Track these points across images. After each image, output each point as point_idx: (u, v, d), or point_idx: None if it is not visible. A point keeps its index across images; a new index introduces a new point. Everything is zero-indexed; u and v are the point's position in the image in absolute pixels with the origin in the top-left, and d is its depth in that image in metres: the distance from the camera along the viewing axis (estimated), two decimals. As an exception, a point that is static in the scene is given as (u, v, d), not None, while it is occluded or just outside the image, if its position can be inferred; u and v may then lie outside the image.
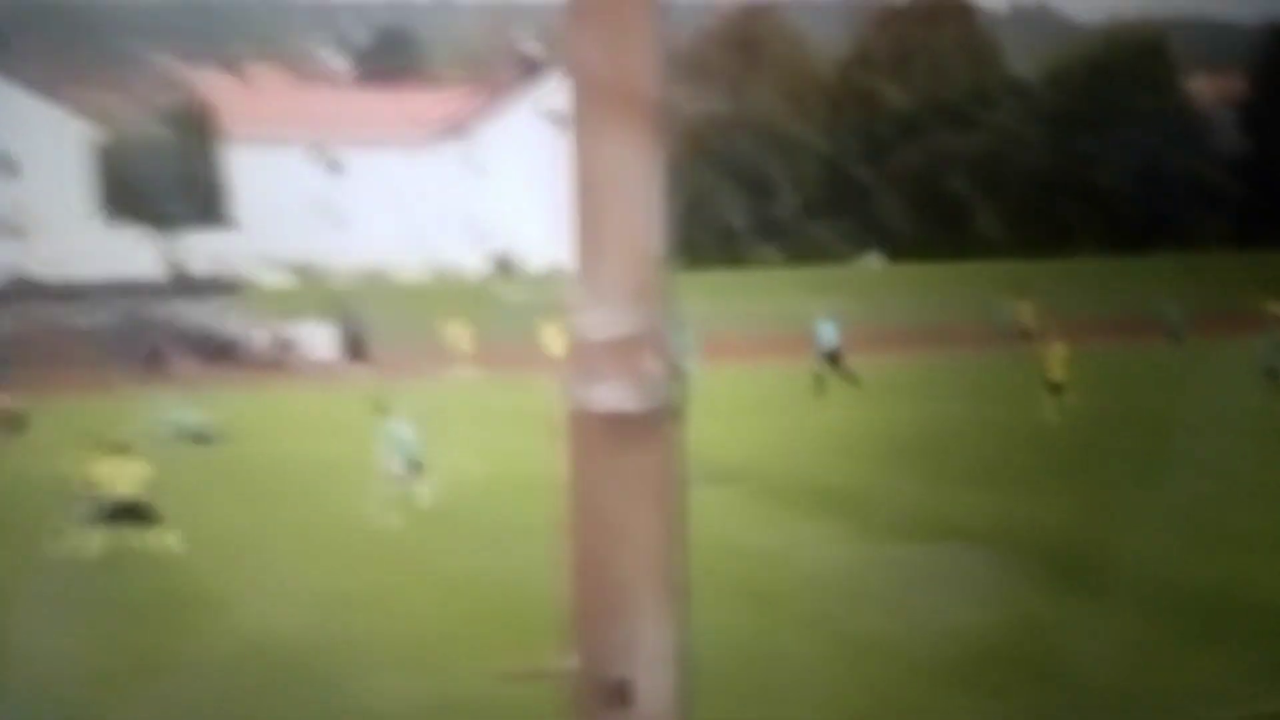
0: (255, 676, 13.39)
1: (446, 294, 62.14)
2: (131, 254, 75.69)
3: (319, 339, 52.80)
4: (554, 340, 42.33)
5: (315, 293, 64.20)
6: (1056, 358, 30.39)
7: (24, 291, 55.87)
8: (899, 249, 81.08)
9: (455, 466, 25.14)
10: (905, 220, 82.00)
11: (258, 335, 53.39)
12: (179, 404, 30.86)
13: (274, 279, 70.11)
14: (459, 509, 21.38)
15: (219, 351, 52.09)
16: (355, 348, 51.64)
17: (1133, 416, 29.05)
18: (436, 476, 23.40)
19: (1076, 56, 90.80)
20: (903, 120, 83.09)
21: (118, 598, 16.61)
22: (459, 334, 45.49)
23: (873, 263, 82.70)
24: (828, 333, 37.03)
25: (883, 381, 37.72)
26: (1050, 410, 29.29)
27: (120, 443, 18.86)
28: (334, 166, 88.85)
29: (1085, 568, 16.04)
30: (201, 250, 78.22)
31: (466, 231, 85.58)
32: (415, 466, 21.53)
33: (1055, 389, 29.95)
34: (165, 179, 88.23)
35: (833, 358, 36.46)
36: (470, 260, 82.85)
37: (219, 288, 57.13)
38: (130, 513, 18.24)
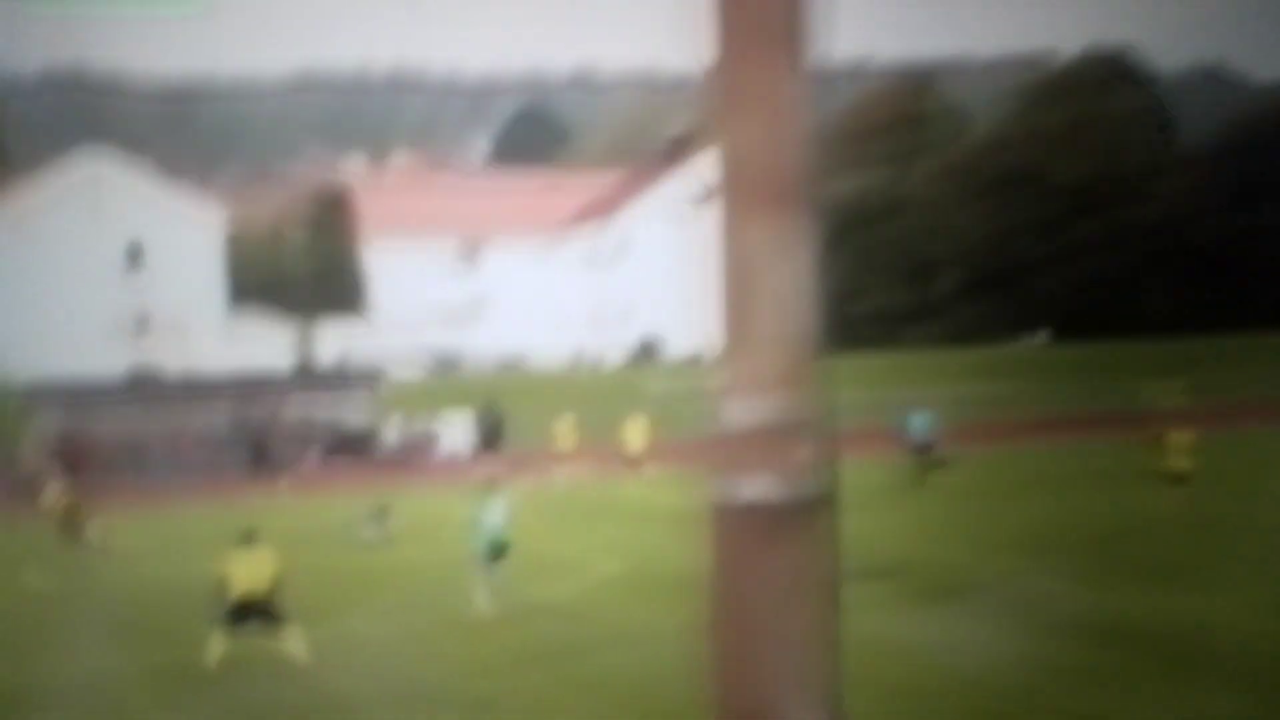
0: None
1: (586, 383, 62.35)
2: (263, 347, 78.03)
3: (456, 431, 53.47)
4: (634, 436, 42.58)
5: (451, 385, 64.95)
6: (1178, 446, 29.55)
7: (148, 388, 57.23)
8: (1065, 327, 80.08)
9: (588, 563, 25.35)
10: (1072, 298, 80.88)
11: (391, 429, 54.23)
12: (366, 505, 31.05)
13: (409, 371, 71.27)
14: (591, 607, 21.54)
15: (351, 446, 53.07)
16: (491, 440, 52.08)
17: (1262, 504, 28.22)
18: (573, 573, 23.38)
19: (1256, 117, 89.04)
20: (1073, 194, 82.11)
21: (242, 705, 16.80)
22: (565, 431, 45.48)
23: (1038, 342, 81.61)
24: (919, 425, 36.74)
25: (1024, 469, 37.48)
26: (1170, 501, 28.65)
27: (251, 535, 19.01)
28: (472, 255, 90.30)
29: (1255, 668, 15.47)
30: (335, 343, 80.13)
31: (607, 319, 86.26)
32: (499, 549, 21.85)
33: (1178, 479, 29.20)
34: (299, 269, 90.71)
35: (924, 450, 36.17)
36: (613, 348, 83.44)
37: (353, 381, 58.19)
38: (260, 612, 18.48)
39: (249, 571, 18.60)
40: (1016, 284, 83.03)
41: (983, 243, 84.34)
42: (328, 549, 28.56)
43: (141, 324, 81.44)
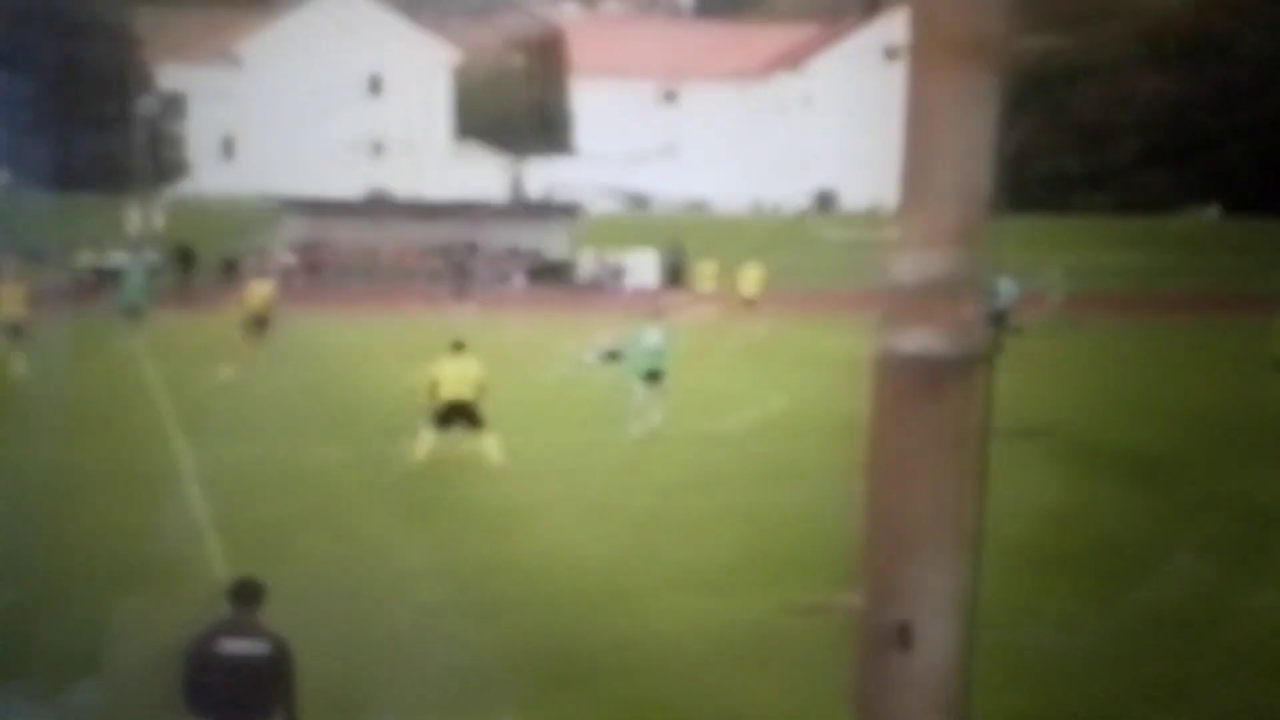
0: (560, 584, 13.78)
1: (765, 229, 61.91)
2: (479, 177, 79.18)
3: (644, 266, 53.79)
4: (749, 282, 42.42)
5: (642, 221, 65.28)
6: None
7: (380, 206, 58.99)
8: (1237, 203, 76.58)
9: (753, 400, 25.21)
10: (1248, 174, 77.05)
11: (587, 260, 54.80)
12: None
13: (604, 207, 71.65)
14: (752, 442, 21.35)
15: (550, 274, 53.75)
16: (675, 276, 52.41)
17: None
18: (738, 409, 23.40)
19: None
20: (1260, 67, 77.64)
21: (440, 499, 17.27)
22: (707, 274, 45.44)
23: (1207, 216, 78.40)
24: (1005, 291, 34.81)
25: (1186, 342, 36.20)
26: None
27: (460, 344, 19.20)
28: (670, 98, 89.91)
29: None
30: (541, 177, 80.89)
31: (791, 166, 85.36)
32: (654, 376, 21.83)
33: None
34: (516, 106, 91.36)
35: (999, 318, 34.81)
36: (792, 195, 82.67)
37: (555, 214, 58.77)
38: (464, 415, 18.65)
39: (457, 377, 18.76)
40: (1192, 156, 79.33)
41: (1163, 112, 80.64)
42: (526, 367, 28.82)
43: (377, 148, 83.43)
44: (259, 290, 30.63)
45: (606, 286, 52.41)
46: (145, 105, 61.27)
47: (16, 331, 26.62)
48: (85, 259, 45.87)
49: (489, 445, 18.74)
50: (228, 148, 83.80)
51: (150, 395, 24.20)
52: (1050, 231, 58.83)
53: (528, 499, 17.35)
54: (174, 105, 77.75)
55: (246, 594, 8.01)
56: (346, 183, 72.54)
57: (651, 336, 22.28)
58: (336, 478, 18.27)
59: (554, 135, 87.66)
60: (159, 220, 50.77)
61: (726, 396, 25.62)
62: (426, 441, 18.64)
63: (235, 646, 7.79)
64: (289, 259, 50.52)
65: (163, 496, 16.62)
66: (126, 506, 16.04)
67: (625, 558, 14.77)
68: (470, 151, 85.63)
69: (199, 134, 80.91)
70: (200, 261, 46.82)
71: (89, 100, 66.15)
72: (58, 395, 22.85)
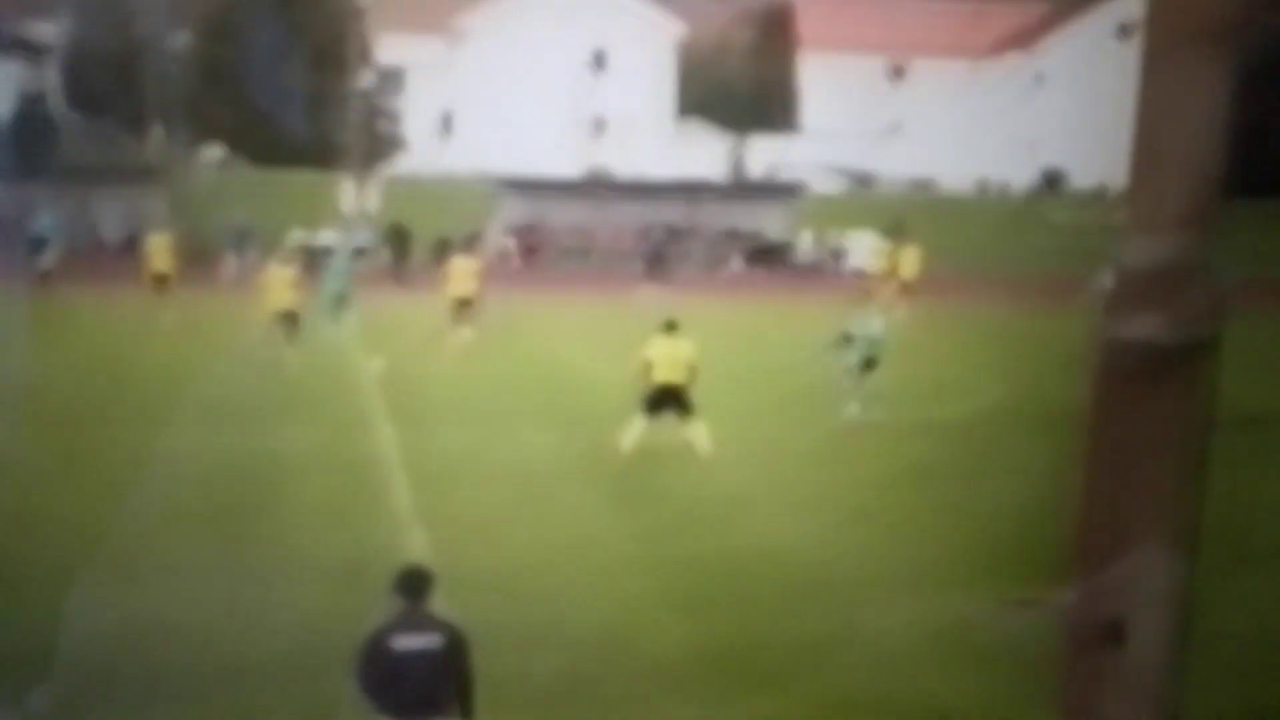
0: (765, 578, 13.86)
1: (991, 209, 60.66)
2: (700, 157, 79.40)
3: (863, 248, 53.18)
4: (907, 264, 39.19)
5: (865, 201, 64.65)
6: None
7: (599, 186, 59.49)
8: None
9: (972, 387, 24.99)
10: None
11: (806, 242, 54.48)
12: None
13: (826, 187, 71.06)
14: (969, 432, 21.35)
15: (768, 256, 53.71)
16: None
17: None
18: (957, 396, 23.33)
19: None
20: None
21: (647, 488, 17.44)
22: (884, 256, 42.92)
23: None
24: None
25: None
26: None
27: (673, 325, 19.13)
28: (898, 74, 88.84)
29: None
30: (763, 156, 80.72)
31: (1019, 146, 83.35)
32: (870, 362, 21.77)
33: None
34: (740, 82, 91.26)
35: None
36: (1020, 175, 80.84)
37: (776, 194, 58.63)
38: (675, 401, 18.60)
39: (669, 359, 18.67)
40: None
41: None
42: (737, 350, 28.94)
43: (598, 126, 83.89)
44: (461, 268, 29.06)
45: (826, 269, 52.06)
46: (364, 79, 62.48)
47: (293, 321, 25.20)
48: (296, 237, 45.80)
49: (698, 434, 18.67)
50: (446, 125, 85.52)
51: (354, 381, 24.52)
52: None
53: (736, 490, 17.45)
54: (392, 80, 79.31)
55: (415, 585, 7.92)
56: (566, 161, 73.40)
57: (874, 322, 22.20)
58: (545, 466, 18.49)
59: (778, 112, 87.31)
60: (374, 199, 51.65)
61: (941, 385, 25.42)
62: (637, 429, 18.63)
63: (409, 642, 7.73)
64: (507, 241, 51.18)
65: (368, 485, 16.97)
66: (330, 496, 16.43)
67: (833, 552, 14.81)
68: (692, 130, 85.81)
69: (417, 110, 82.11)
70: (415, 242, 47.85)
71: (306, 73, 67.21)
72: (259, 383, 23.37)
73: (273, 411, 21.20)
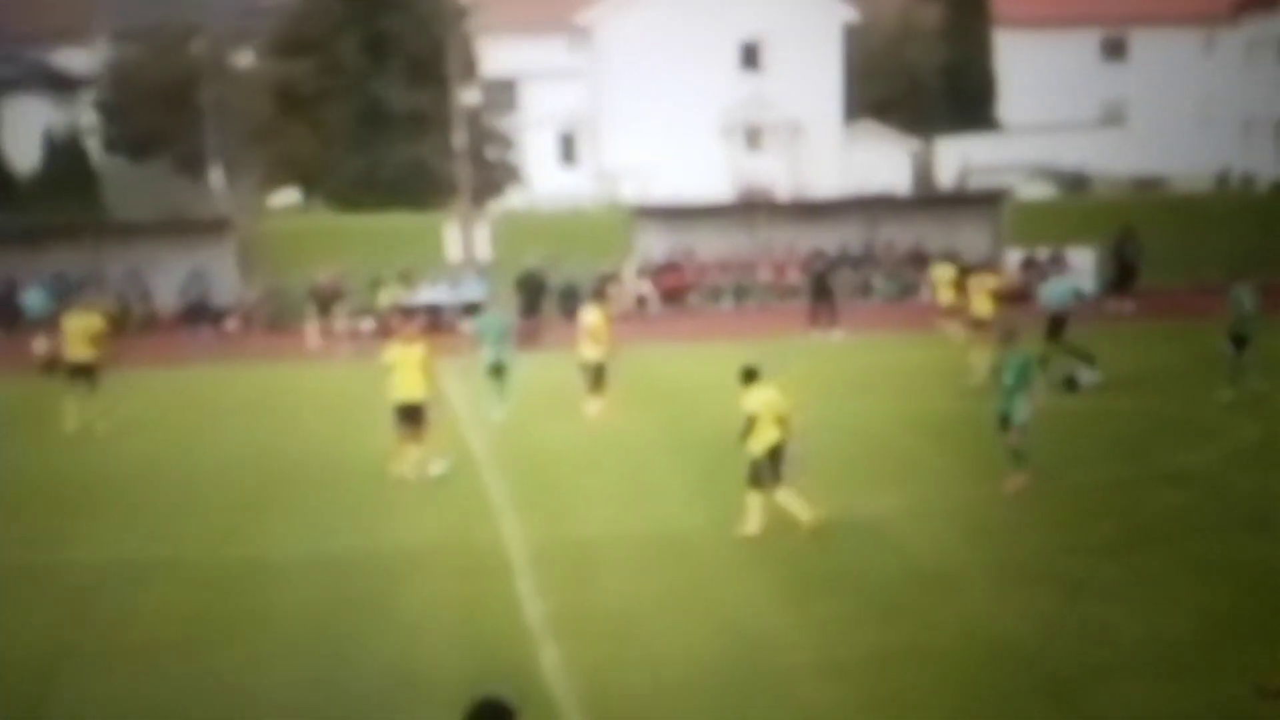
0: (977, 670, 14.03)
1: (1233, 208, 59.09)
2: (878, 164, 78.90)
3: (1084, 266, 52.25)
4: (943, 289, 38.18)
5: (1081, 207, 63.57)
6: None
7: (756, 208, 59.31)
8: None
9: (1225, 427, 24.77)
10: None
11: (1013, 260, 53.63)
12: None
13: (1034, 191, 70.18)
14: (1222, 477, 21.36)
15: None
16: (1126, 277, 50.35)
17: None
18: (1209, 438, 23.18)
19: None
20: None
21: (829, 568, 17.62)
22: (944, 280, 40.14)
23: None
24: (1055, 292, 34.32)
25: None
26: None
27: (753, 374, 19.34)
28: (1116, 51, 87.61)
29: None
30: (956, 159, 79.77)
31: (1266, 130, 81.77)
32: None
33: None
34: (925, 72, 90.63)
35: (1057, 322, 32.83)
36: (1267, 166, 78.96)
37: (974, 203, 58.13)
38: (775, 459, 18.86)
39: (767, 414, 18.96)
40: None
41: None
42: (931, 398, 29.14)
43: (753, 136, 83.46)
44: (588, 322, 29.18)
45: (1038, 293, 51.22)
46: (469, 96, 62.44)
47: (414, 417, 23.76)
48: (387, 295, 46.42)
49: (793, 502, 18.92)
50: (568, 145, 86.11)
51: (473, 467, 24.70)
52: None
53: (936, 565, 17.57)
54: (503, 94, 79.89)
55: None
56: (715, 181, 73.81)
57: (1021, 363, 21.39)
58: (698, 551, 18.71)
59: (972, 106, 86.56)
60: (484, 242, 51.44)
61: (1176, 425, 25.40)
62: (755, 509, 18.92)
63: None
64: (643, 286, 51.57)
65: (490, 587, 17.31)
66: (448, 601, 16.91)
67: (1055, 634, 14.85)
68: (867, 134, 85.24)
69: (533, 129, 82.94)
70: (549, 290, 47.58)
71: (398, 92, 67.05)
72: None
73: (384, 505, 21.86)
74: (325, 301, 45.42)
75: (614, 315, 38.19)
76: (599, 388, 28.76)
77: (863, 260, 53.90)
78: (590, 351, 28.96)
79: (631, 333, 38.89)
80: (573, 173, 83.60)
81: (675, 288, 52.44)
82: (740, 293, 52.88)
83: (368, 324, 45.35)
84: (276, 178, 71.62)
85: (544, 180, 78.59)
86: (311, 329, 43.85)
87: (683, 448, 25.62)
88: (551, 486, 22.92)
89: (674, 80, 80.00)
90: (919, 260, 53.43)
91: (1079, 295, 39.79)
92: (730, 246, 53.74)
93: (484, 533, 19.97)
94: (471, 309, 45.67)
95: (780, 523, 18.86)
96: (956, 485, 21.68)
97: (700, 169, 75.95)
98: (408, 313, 45.82)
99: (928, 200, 65.49)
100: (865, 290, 52.41)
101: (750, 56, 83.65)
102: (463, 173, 53.18)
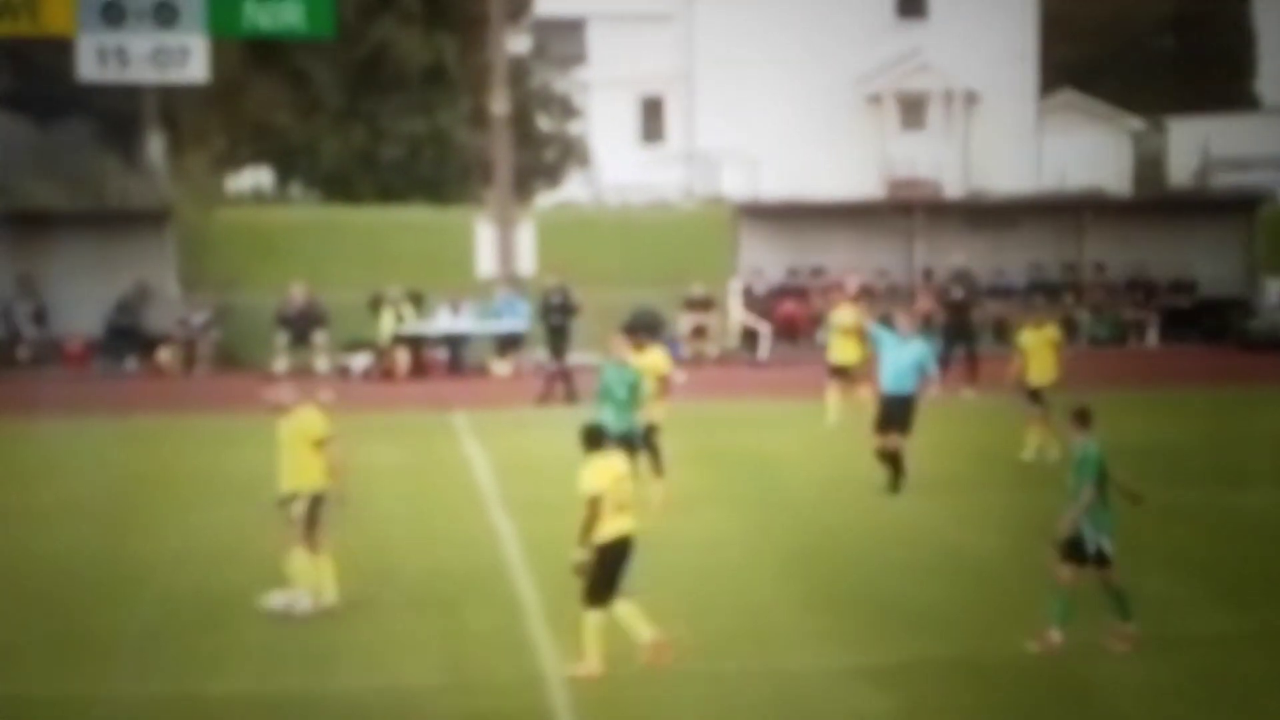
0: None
1: None
2: (1082, 148, 78.26)
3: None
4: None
5: None
6: None
7: (913, 208, 58.60)
8: None
9: None
10: None
11: (1274, 295, 52.93)
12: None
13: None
14: None
15: (1208, 319, 52.95)
16: None
17: None
18: None
19: None
20: None
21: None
22: None
23: None
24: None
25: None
26: None
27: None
28: None
29: None
30: (1194, 143, 78.99)
31: None
32: None
33: None
34: (1151, 25, 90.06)
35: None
36: None
37: (1219, 209, 57.40)
38: None
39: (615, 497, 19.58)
40: None
41: None
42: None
43: (910, 108, 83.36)
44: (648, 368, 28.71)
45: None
46: (515, 41, 61.84)
47: None
48: (390, 320, 45.77)
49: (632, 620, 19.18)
50: (651, 115, 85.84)
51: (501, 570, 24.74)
52: None
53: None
54: (565, 39, 79.45)
55: None
56: (854, 170, 73.82)
57: None
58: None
59: (1218, 76, 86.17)
60: (529, 248, 50.06)
61: None
62: (593, 636, 19.11)
63: None
64: (749, 316, 50.49)
65: None
66: None
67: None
68: (1069, 109, 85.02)
69: (604, 92, 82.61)
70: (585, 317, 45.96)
71: (408, 36, 66.11)
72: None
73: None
74: (301, 328, 45.27)
75: (713, 356, 37.01)
76: (657, 464, 28.32)
77: (1060, 287, 53.14)
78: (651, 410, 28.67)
79: (730, 384, 38.19)
80: (657, 153, 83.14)
81: (794, 319, 51.56)
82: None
83: (362, 361, 45.10)
84: (239, 153, 70.89)
85: (617, 165, 77.32)
86: (281, 367, 42.76)
87: (792, 551, 25.45)
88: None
89: (801, 30, 79.99)
90: (1143, 289, 52.88)
91: None
92: (874, 263, 53.01)
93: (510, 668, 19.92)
94: (510, 343, 45.55)
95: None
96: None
97: (834, 154, 76.01)
98: (415, 343, 45.76)
99: (1153, 204, 65.22)
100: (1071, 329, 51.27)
101: (910, 1, 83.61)
102: (501, 151, 52.14)
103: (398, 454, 33.40)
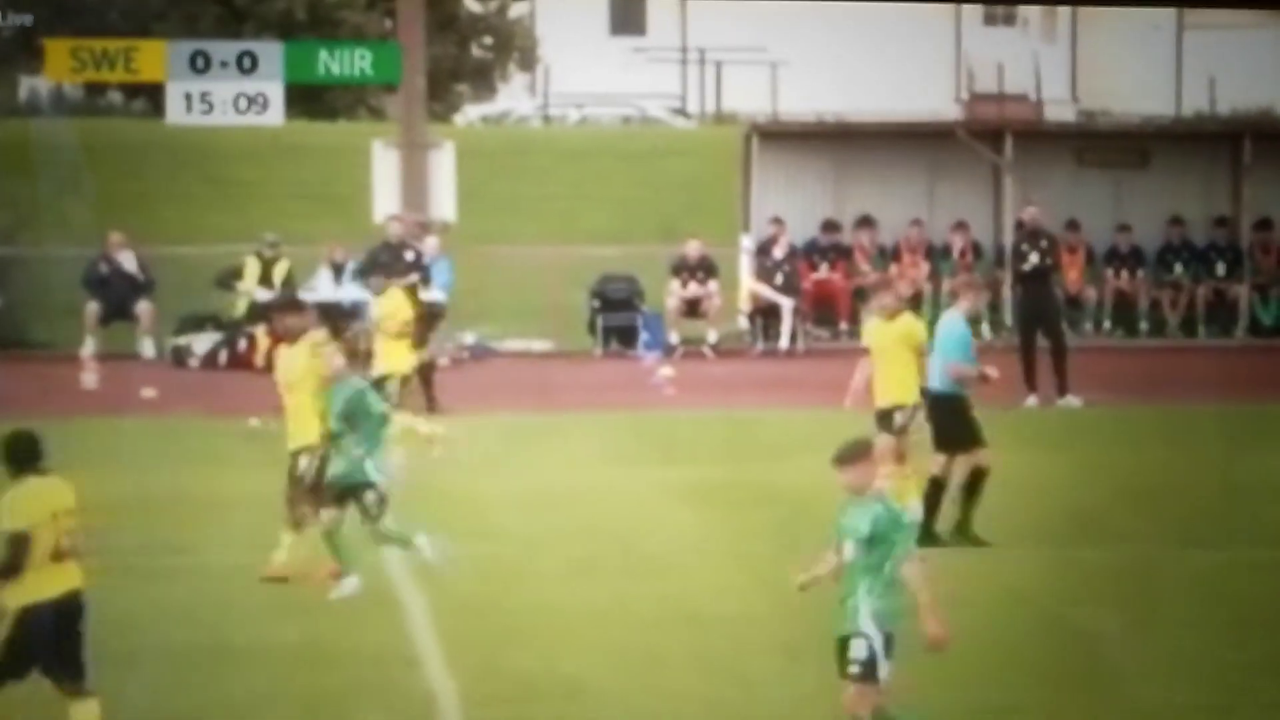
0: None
1: None
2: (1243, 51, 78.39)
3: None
4: None
5: None
6: None
7: (1002, 135, 58.57)
8: None
9: None
10: None
11: None
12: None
13: None
14: None
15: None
16: None
17: None
18: None
19: None
20: None
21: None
22: None
23: None
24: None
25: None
26: None
27: None
28: None
29: None
30: None
31: None
32: None
33: None
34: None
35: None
36: None
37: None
38: None
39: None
40: None
41: None
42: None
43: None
44: None
45: None
46: None
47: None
48: (248, 287, 46.48)
49: None
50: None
51: None
52: None
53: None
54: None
55: None
56: (916, 80, 76.72)
57: None
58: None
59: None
60: (447, 180, 50.20)
61: None
62: None
63: None
64: (767, 290, 50.35)
65: None
66: None
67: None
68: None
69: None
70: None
71: None
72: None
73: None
74: (119, 298, 45.47)
75: (713, 344, 36.71)
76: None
77: (1209, 253, 52.73)
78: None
79: (737, 384, 41.34)
80: (634, 51, 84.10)
81: (830, 292, 51.74)
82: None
83: (204, 343, 45.48)
84: (34, 43, 71.23)
85: (576, 64, 78.38)
86: (88, 352, 43.85)
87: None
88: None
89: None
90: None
91: None
92: (946, 212, 53.11)
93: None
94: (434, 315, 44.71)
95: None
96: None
97: (887, 57, 77.26)
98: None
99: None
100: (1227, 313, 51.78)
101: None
102: (411, 38, 53.19)
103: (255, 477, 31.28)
